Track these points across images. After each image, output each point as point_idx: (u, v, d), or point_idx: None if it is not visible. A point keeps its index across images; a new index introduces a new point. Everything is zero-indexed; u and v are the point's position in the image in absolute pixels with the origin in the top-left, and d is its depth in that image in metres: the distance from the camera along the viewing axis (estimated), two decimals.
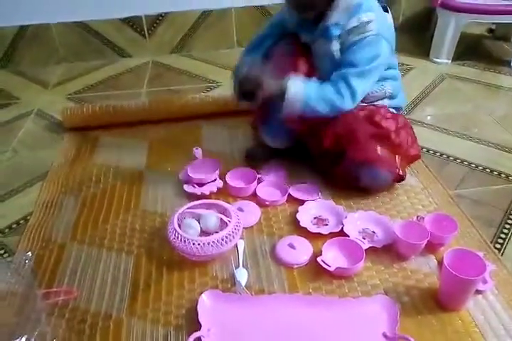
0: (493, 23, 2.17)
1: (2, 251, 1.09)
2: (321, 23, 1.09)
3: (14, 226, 1.17)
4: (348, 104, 1.09)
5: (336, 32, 1.08)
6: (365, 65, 1.07)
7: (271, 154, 1.33)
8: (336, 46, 1.09)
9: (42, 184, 1.31)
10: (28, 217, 1.19)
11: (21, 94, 1.87)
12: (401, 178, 1.16)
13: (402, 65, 1.93)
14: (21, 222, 1.18)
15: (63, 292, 0.96)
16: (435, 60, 1.99)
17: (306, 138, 1.23)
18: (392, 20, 1.14)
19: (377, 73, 1.11)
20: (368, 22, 1.05)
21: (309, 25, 1.13)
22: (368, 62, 1.07)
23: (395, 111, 1.20)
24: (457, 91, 1.77)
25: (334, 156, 1.15)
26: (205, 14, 2.08)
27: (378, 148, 1.10)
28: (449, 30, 1.90)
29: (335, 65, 1.10)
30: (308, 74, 1.13)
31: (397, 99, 1.21)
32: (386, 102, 1.19)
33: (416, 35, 2.19)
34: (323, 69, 1.15)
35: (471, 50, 2.07)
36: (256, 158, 1.34)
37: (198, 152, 1.31)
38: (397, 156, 1.13)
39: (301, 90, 1.07)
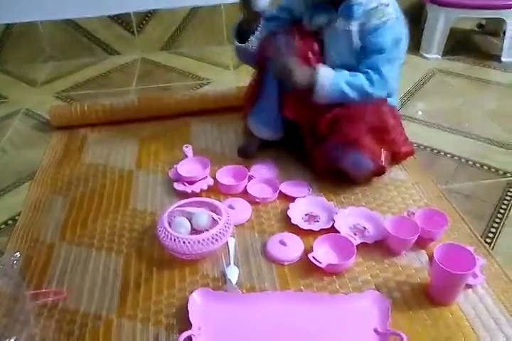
0: (483, 18, 2.17)
1: None
2: (343, 2, 1.10)
3: (2, 226, 1.16)
4: (379, 91, 1.10)
5: (357, 11, 1.08)
6: (391, 50, 1.09)
7: (262, 147, 1.32)
8: (355, 27, 1.09)
9: (30, 184, 1.29)
10: (17, 217, 1.17)
11: (9, 93, 1.85)
12: (382, 171, 1.16)
13: None
14: (9, 222, 1.17)
15: (52, 292, 0.95)
16: (425, 55, 1.98)
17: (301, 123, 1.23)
18: None
19: (401, 59, 1.13)
20: (387, 5, 1.08)
21: (326, 6, 1.13)
22: (393, 47, 1.09)
23: None
24: (447, 86, 1.78)
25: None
26: (194, 11, 2.06)
27: (370, 135, 1.10)
28: (438, 25, 1.90)
29: (351, 48, 1.11)
30: (316, 62, 1.13)
31: (392, 99, 1.22)
32: None
33: None
34: (335, 55, 1.15)
35: (461, 45, 2.07)
36: (248, 153, 1.33)
37: (187, 150, 1.30)
38: (383, 148, 1.12)
39: (330, 74, 1.08)
